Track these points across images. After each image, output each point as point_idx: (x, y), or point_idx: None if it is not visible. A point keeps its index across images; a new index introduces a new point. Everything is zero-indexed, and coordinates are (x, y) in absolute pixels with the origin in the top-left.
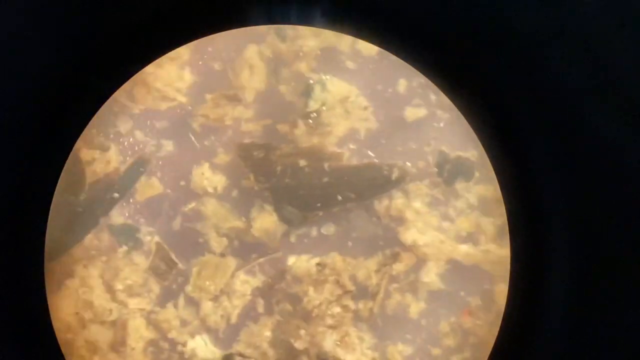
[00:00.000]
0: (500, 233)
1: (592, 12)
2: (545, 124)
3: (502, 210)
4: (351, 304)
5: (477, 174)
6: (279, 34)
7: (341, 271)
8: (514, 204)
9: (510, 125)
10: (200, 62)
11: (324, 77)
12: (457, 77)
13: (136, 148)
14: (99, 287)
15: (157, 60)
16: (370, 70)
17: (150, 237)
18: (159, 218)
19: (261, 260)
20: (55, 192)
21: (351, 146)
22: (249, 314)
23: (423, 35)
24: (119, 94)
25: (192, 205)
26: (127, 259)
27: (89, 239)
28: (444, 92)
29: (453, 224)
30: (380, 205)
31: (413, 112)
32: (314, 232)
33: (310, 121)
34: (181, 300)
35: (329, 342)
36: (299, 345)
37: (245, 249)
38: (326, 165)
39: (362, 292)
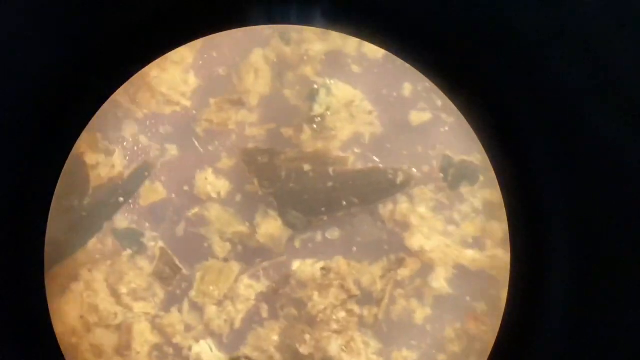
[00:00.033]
0: (506, 238)
1: (592, 12)
2: (545, 124)
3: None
4: (356, 309)
5: (481, 178)
6: (283, 37)
7: (346, 275)
8: (514, 205)
9: (510, 126)
10: (204, 66)
11: (329, 81)
12: (456, 77)
13: (140, 152)
14: (103, 291)
15: (161, 64)
16: (375, 74)
17: (154, 243)
18: (163, 223)
19: (265, 264)
20: (58, 195)
21: (356, 150)
22: (253, 319)
23: (423, 35)
24: (123, 98)
25: (196, 210)
26: (131, 263)
27: (93, 243)
28: (443, 92)
29: (458, 229)
30: (385, 209)
31: (418, 116)
32: (318, 236)
33: (315, 126)
34: (185, 305)
35: (334, 347)
36: (304, 350)
37: (249, 254)
38: (331, 170)
39: (367, 297)
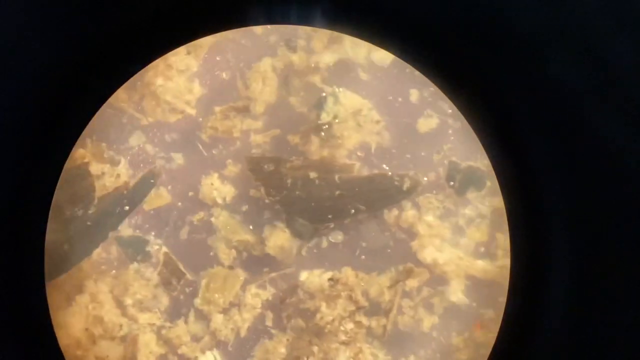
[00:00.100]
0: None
1: (592, 12)
2: (545, 124)
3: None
4: (364, 320)
5: (488, 184)
6: (289, 44)
7: (354, 286)
8: (514, 204)
9: (510, 125)
10: (209, 74)
11: (337, 89)
12: (456, 78)
13: (145, 161)
14: (108, 302)
15: (166, 73)
16: (382, 81)
17: (158, 247)
18: (167, 229)
19: (273, 275)
20: (61, 205)
21: (362, 158)
22: (260, 329)
23: (422, 35)
24: (129, 106)
25: (201, 216)
26: (136, 273)
27: (98, 252)
28: (444, 93)
29: (465, 235)
30: (390, 214)
31: (425, 123)
32: (324, 244)
33: (322, 134)
34: (191, 314)
35: (342, 359)
36: None
37: (255, 261)
38: (337, 177)
39: (375, 308)
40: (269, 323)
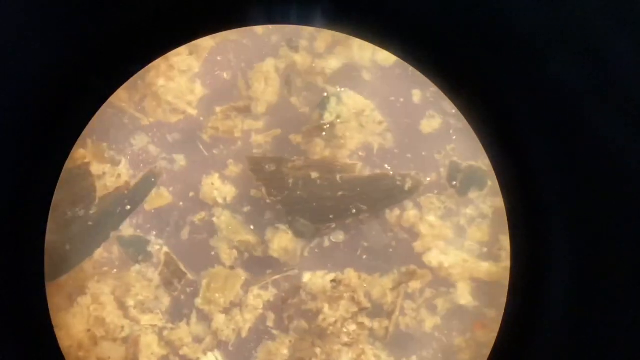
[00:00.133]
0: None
1: (592, 12)
2: (545, 124)
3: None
4: (367, 322)
5: (489, 183)
6: (291, 44)
7: (356, 288)
8: (514, 204)
9: (511, 125)
10: (210, 74)
11: (339, 89)
12: (457, 78)
13: (146, 161)
14: (110, 304)
15: (168, 73)
16: (385, 82)
17: (159, 247)
18: (168, 229)
19: (277, 277)
20: (62, 205)
21: (363, 157)
22: (262, 330)
23: (422, 35)
24: (129, 106)
25: (202, 216)
26: (137, 274)
27: (99, 252)
28: (444, 93)
29: (466, 235)
30: (392, 214)
31: (428, 124)
32: (326, 244)
33: (324, 134)
34: (192, 315)
35: None
36: None
37: (256, 261)
38: (339, 177)
39: (378, 310)
40: (270, 324)
